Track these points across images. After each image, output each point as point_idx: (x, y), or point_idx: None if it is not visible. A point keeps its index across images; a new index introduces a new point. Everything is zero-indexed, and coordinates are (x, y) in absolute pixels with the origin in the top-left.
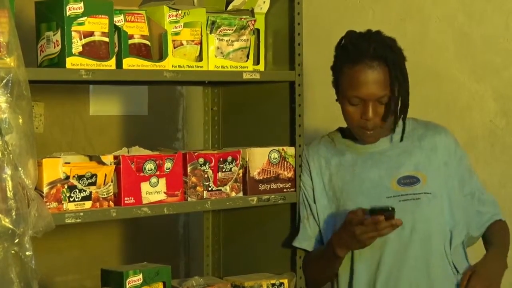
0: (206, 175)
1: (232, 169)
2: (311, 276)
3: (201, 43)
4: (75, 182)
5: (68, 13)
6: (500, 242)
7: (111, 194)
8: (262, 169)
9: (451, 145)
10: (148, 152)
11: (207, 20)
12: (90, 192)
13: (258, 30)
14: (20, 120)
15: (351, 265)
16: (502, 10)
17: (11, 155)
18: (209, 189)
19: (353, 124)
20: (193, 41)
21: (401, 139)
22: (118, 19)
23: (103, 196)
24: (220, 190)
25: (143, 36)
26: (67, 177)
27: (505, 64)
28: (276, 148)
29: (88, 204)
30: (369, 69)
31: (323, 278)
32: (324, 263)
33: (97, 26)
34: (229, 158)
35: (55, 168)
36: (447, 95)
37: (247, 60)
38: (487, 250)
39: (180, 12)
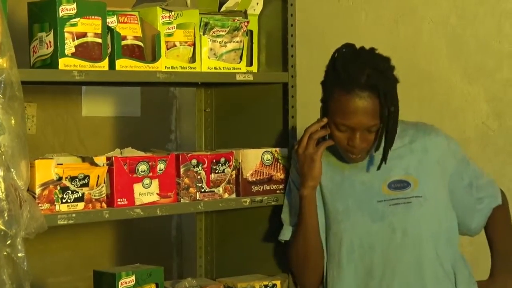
0: (199, 177)
1: (225, 171)
2: (294, 259)
3: (194, 45)
4: (67, 183)
5: (61, 14)
6: (504, 247)
7: (103, 195)
8: (255, 171)
9: (442, 143)
10: (141, 153)
11: (200, 22)
12: (83, 193)
13: (251, 32)
14: (13, 121)
15: (338, 270)
16: (495, 12)
17: (3, 156)
18: (202, 190)
19: (339, 146)
20: (186, 42)
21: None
22: (111, 20)
23: (95, 197)
24: (213, 191)
25: (136, 37)
26: (60, 178)
27: (497, 66)
28: (269, 149)
29: (80, 205)
30: (360, 99)
31: (304, 256)
32: (298, 231)
33: (90, 27)
34: (222, 159)
35: (47, 169)
36: (439, 97)
37: (240, 62)
38: (491, 254)
39: (173, 13)
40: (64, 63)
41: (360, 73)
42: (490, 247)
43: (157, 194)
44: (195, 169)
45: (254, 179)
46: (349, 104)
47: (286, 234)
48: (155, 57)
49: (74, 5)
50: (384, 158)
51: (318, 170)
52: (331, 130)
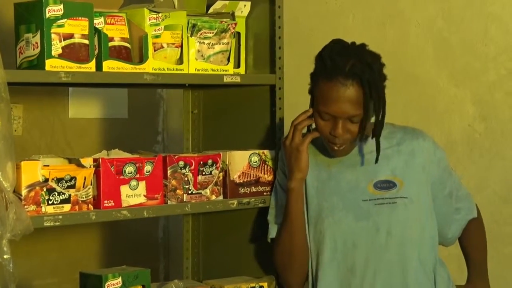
0: (186, 178)
1: (213, 172)
2: (279, 257)
3: (181, 46)
4: (54, 185)
5: (47, 15)
6: (479, 258)
7: (90, 197)
8: (242, 173)
9: (429, 149)
10: (128, 155)
11: (188, 23)
12: (69, 195)
13: (238, 34)
14: None
15: (321, 268)
16: (481, 15)
17: None
18: (189, 192)
19: (322, 136)
20: (173, 44)
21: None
22: (98, 22)
23: (82, 199)
24: (200, 193)
25: (123, 39)
26: (46, 180)
27: (484, 69)
28: (257, 151)
29: (67, 207)
30: (342, 87)
31: (290, 253)
32: (284, 227)
33: (77, 28)
34: (210, 161)
35: (33, 171)
36: (426, 99)
37: (227, 63)
38: (467, 264)
39: (160, 14)
40: (51, 64)
41: (345, 62)
42: (465, 257)
43: (144, 196)
44: (182, 171)
45: (242, 181)
46: (332, 91)
47: (272, 232)
48: (142, 59)
49: (61, 6)
50: (377, 155)
51: (305, 162)
52: (316, 119)
